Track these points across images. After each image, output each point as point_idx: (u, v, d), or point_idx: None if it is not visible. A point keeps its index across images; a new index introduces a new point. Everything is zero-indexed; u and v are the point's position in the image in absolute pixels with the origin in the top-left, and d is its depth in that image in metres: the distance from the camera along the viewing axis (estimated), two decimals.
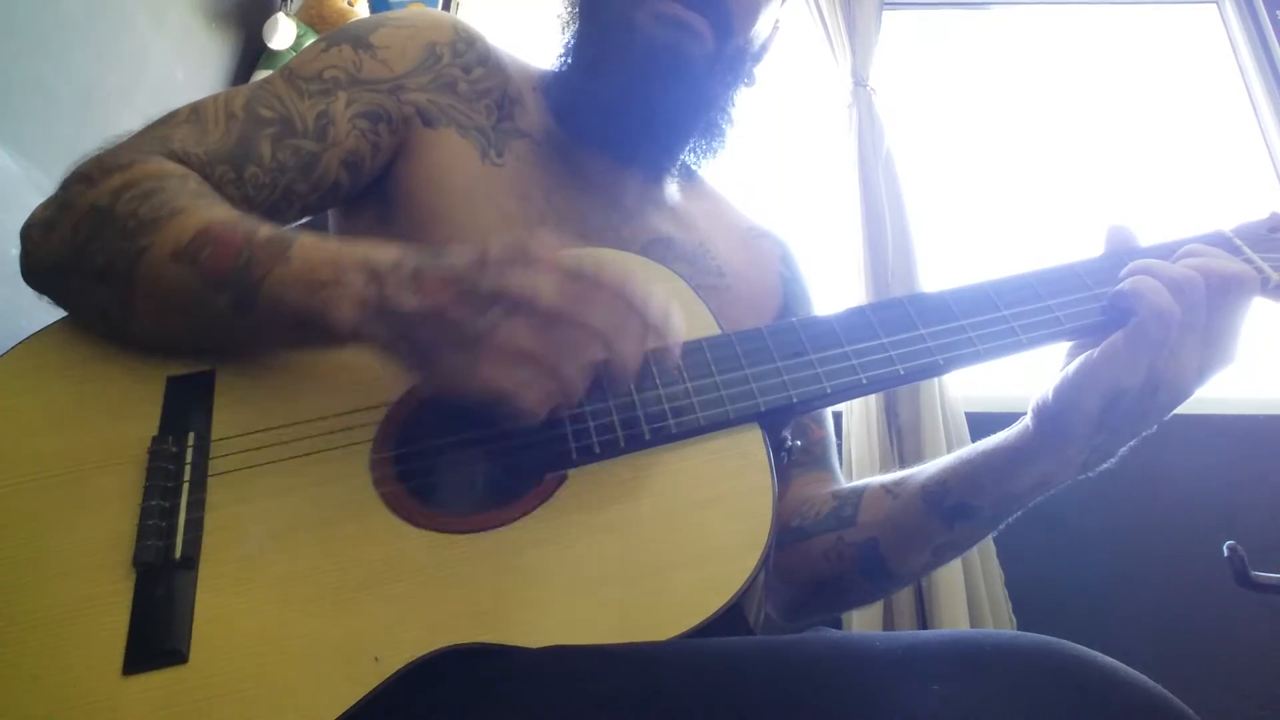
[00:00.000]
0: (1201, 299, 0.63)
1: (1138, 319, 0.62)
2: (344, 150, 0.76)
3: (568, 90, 0.85)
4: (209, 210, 0.63)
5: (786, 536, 0.82)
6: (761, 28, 0.85)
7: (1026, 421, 0.67)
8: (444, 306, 0.53)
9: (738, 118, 0.88)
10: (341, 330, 0.57)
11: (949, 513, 0.72)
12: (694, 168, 0.90)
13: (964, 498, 0.71)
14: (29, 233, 0.67)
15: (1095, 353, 0.63)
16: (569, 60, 0.86)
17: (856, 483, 0.83)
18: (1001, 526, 0.74)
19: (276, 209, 0.74)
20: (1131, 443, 0.67)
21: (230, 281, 0.60)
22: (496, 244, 0.54)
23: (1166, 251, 0.69)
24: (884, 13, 2.12)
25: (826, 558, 0.79)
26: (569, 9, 0.88)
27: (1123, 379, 0.62)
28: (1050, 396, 0.65)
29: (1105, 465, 0.68)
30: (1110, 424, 0.64)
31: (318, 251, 0.59)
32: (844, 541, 0.78)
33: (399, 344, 0.56)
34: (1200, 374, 0.64)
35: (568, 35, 0.87)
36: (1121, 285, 0.65)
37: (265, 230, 0.62)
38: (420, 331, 0.54)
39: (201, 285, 0.60)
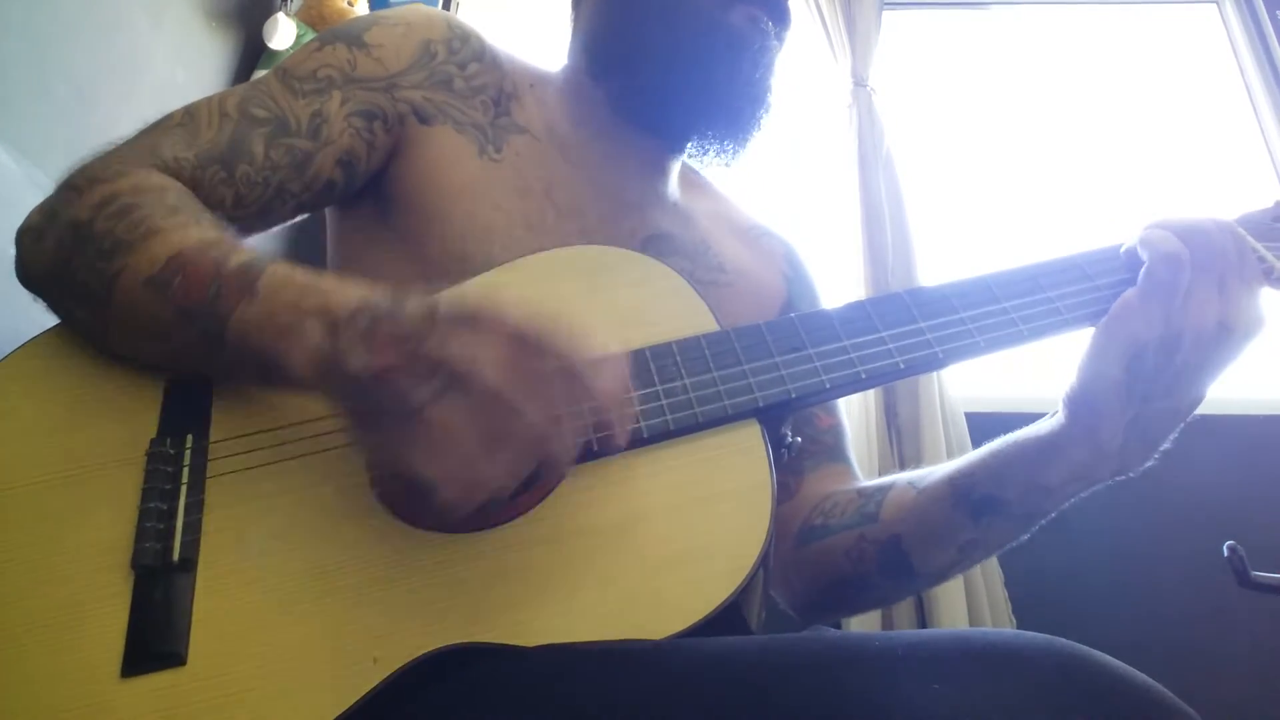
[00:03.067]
0: (1212, 242, 0.62)
1: (1146, 266, 0.62)
2: (339, 149, 0.76)
3: (619, 85, 0.85)
4: (183, 232, 0.62)
5: (808, 535, 0.81)
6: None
7: (1059, 412, 0.66)
8: (389, 370, 0.48)
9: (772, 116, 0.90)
10: (297, 382, 0.54)
11: (976, 506, 0.70)
12: (726, 158, 0.91)
13: (992, 490, 0.70)
14: (22, 238, 0.68)
15: (1106, 317, 0.63)
16: (610, 54, 0.86)
17: (882, 479, 0.82)
18: (1034, 528, 0.71)
19: (270, 207, 0.74)
20: (1173, 433, 0.65)
21: (200, 314, 0.58)
22: (446, 300, 0.50)
23: None
24: (884, 13, 2.12)
25: (848, 556, 0.77)
26: (611, 9, 0.88)
27: (1139, 332, 0.61)
28: (1074, 377, 0.64)
29: (1147, 462, 0.66)
30: (1139, 391, 0.62)
31: (282, 291, 0.57)
32: (866, 540, 0.77)
33: (344, 405, 0.52)
34: (1224, 327, 0.62)
35: (601, 31, 0.87)
36: (1130, 244, 0.65)
37: (236, 258, 0.59)
38: (363, 396, 0.50)
39: (172, 316, 0.59)
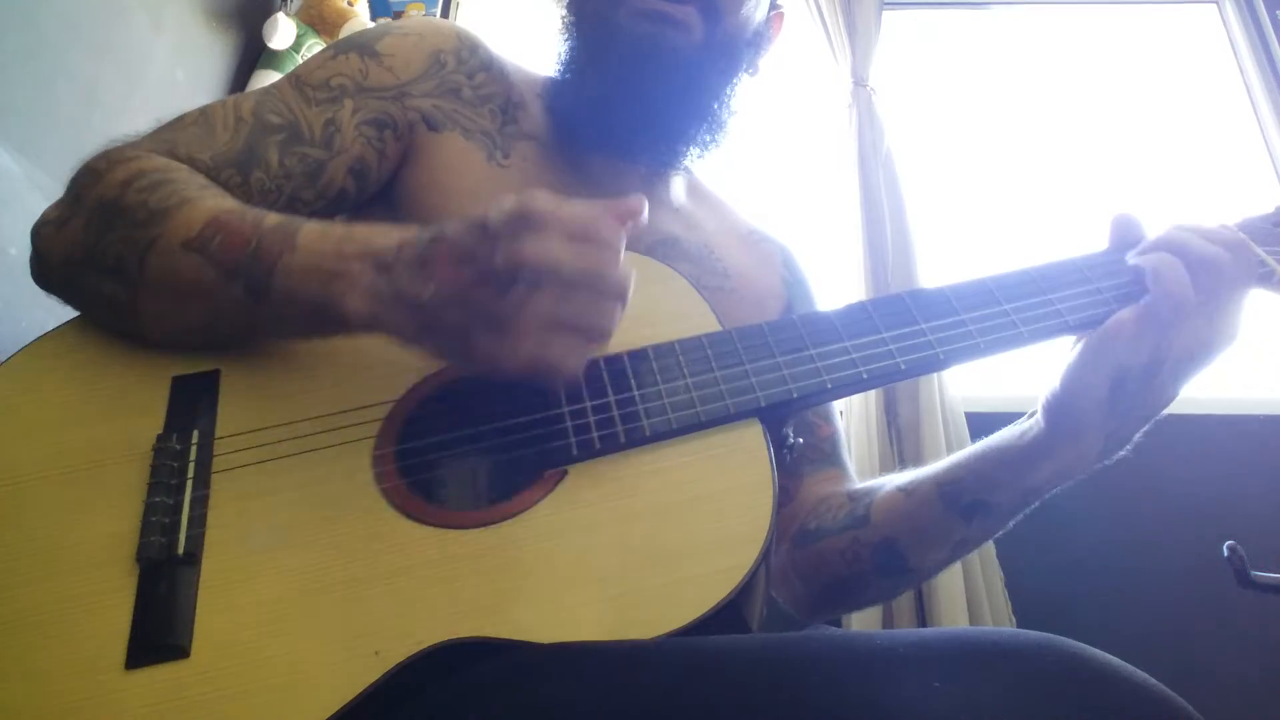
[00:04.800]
0: (1221, 281, 0.63)
1: (1149, 298, 0.62)
2: (350, 158, 0.77)
3: (564, 95, 0.85)
4: (217, 200, 0.64)
5: (804, 538, 0.83)
6: (751, 10, 0.85)
7: (1037, 416, 0.67)
8: (464, 289, 0.53)
9: (738, 107, 0.87)
10: (356, 322, 0.57)
11: (966, 510, 0.72)
12: (696, 160, 0.89)
13: (981, 495, 0.71)
14: (40, 231, 0.68)
15: (1097, 333, 0.63)
16: (565, 66, 0.86)
17: (871, 482, 0.83)
18: (1020, 517, 0.74)
19: None
20: (1145, 428, 0.67)
21: (242, 270, 0.60)
22: (495, 211, 0.54)
23: None
24: (884, 13, 2.12)
25: (843, 558, 0.79)
26: (564, 17, 0.88)
27: (1126, 358, 0.62)
28: (1058, 387, 0.65)
29: (1121, 453, 0.68)
30: (1121, 408, 0.64)
31: (322, 239, 0.60)
32: (859, 541, 0.78)
33: (424, 333, 0.56)
34: (1207, 349, 0.64)
35: (564, 43, 0.88)
36: (1140, 261, 0.65)
37: (273, 218, 0.62)
38: (445, 318, 0.54)
39: (215, 274, 0.61)
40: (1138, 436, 0.67)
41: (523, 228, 0.53)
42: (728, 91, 0.86)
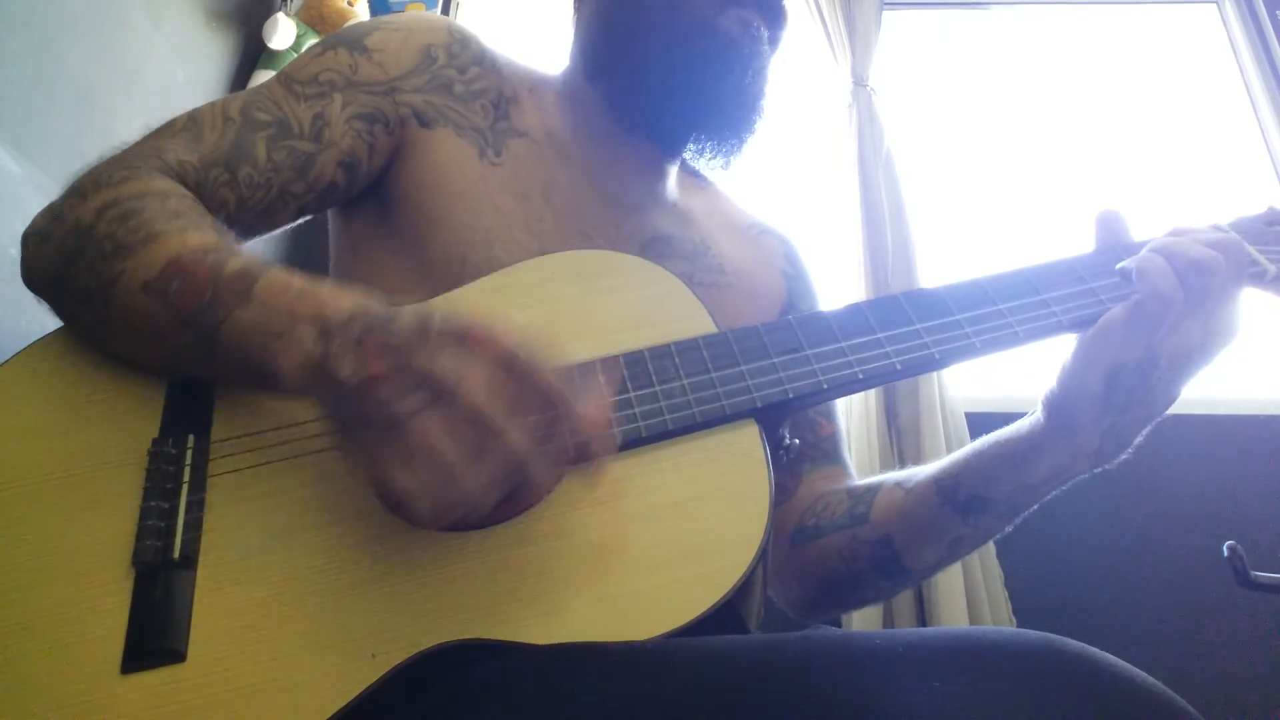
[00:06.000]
0: (1211, 283, 0.63)
1: (1138, 296, 0.63)
2: (340, 151, 0.77)
3: (610, 88, 0.85)
4: (181, 237, 0.62)
5: (802, 535, 0.82)
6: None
7: (1037, 413, 0.68)
8: (375, 380, 0.49)
9: (768, 116, 0.89)
10: (287, 386, 0.54)
11: (962, 506, 0.72)
12: (725, 164, 0.90)
13: (977, 490, 0.72)
14: (27, 241, 0.68)
15: (1091, 331, 0.64)
16: (604, 59, 0.86)
17: (871, 479, 0.83)
18: (1018, 520, 0.74)
19: (272, 209, 0.75)
20: (1145, 430, 0.67)
21: (195, 319, 0.59)
22: (439, 315, 0.51)
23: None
24: (884, 13, 2.12)
25: (841, 556, 0.79)
26: (603, 11, 0.88)
27: (1119, 354, 0.63)
28: (1055, 384, 0.66)
29: (1121, 457, 0.68)
30: (1115, 403, 0.64)
31: (277, 297, 0.57)
32: (858, 540, 0.78)
33: (333, 414, 0.53)
34: (1204, 349, 0.64)
35: (595, 34, 0.87)
36: (1127, 263, 0.66)
37: (234, 263, 0.60)
38: (349, 403, 0.50)
39: (169, 320, 0.60)
40: (1138, 440, 0.68)
41: (453, 342, 0.49)
42: (768, 93, 0.88)
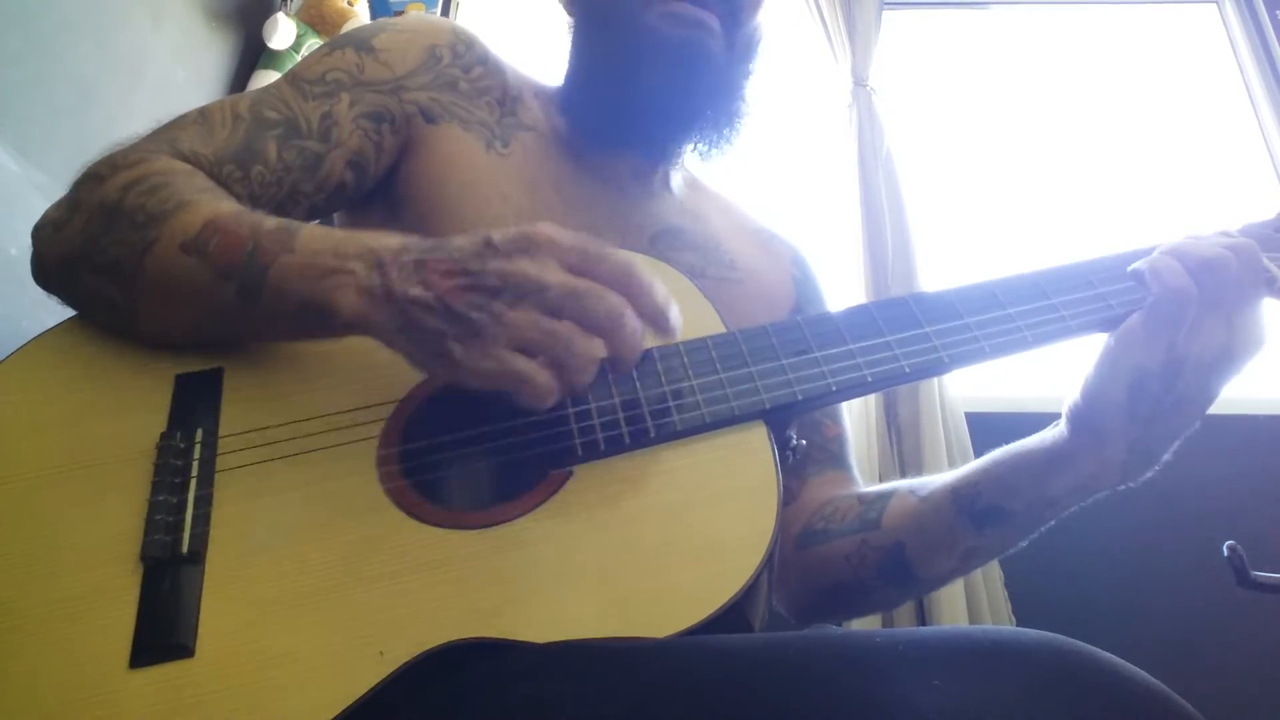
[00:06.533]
0: (1226, 280, 0.62)
1: (1153, 297, 0.62)
2: (348, 150, 0.77)
3: (583, 95, 0.86)
4: (215, 203, 0.64)
5: (809, 539, 0.82)
6: (762, 15, 0.87)
7: (1061, 425, 0.67)
8: (449, 295, 0.53)
9: (751, 105, 0.88)
10: (345, 318, 0.56)
11: (980, 516, 0.71)
12: (714, 157, 0.89)
13: (996, 500, 0.70)
14: (39, 233, 0.68)
15: (1111, 339, 0.63)
16: (581, 68, 0.87)
17: (883, 486, 0.83)
18: (1034, 535, 0.72)
19: (283, 209, 0.75)
20: (1174, 445, 0.66)
21: (237, 271, 0.60)
22: (501, 231, 0.54)
23: None
24: (884, 13, 2.12)
25: (848, 561, 0.78)
26: (575, 18, 0.89)
27: (1142, 361, 0.62)
28: (1078, 395, 0.65)
29: (1148, 474, 0.67)
30: (1141, 414, 0.63)
31: (322, 241, 0.60)
32: (868, 545, 0.77)
33: (404, 334, 0.55)
34: (1230, 355, 0.63)
35: (575, 45, 0.88)
36: (1139, 264, 0.65)
37: (271, 221, 0.62)
38: (426, 321, 0.54)
39: (210, 275, 0.61)
40: (1167, 456, 0.66)
41: (523, 248, 0.53)
42: (745, 90, 0.87)
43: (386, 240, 0.58)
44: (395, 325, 0.55)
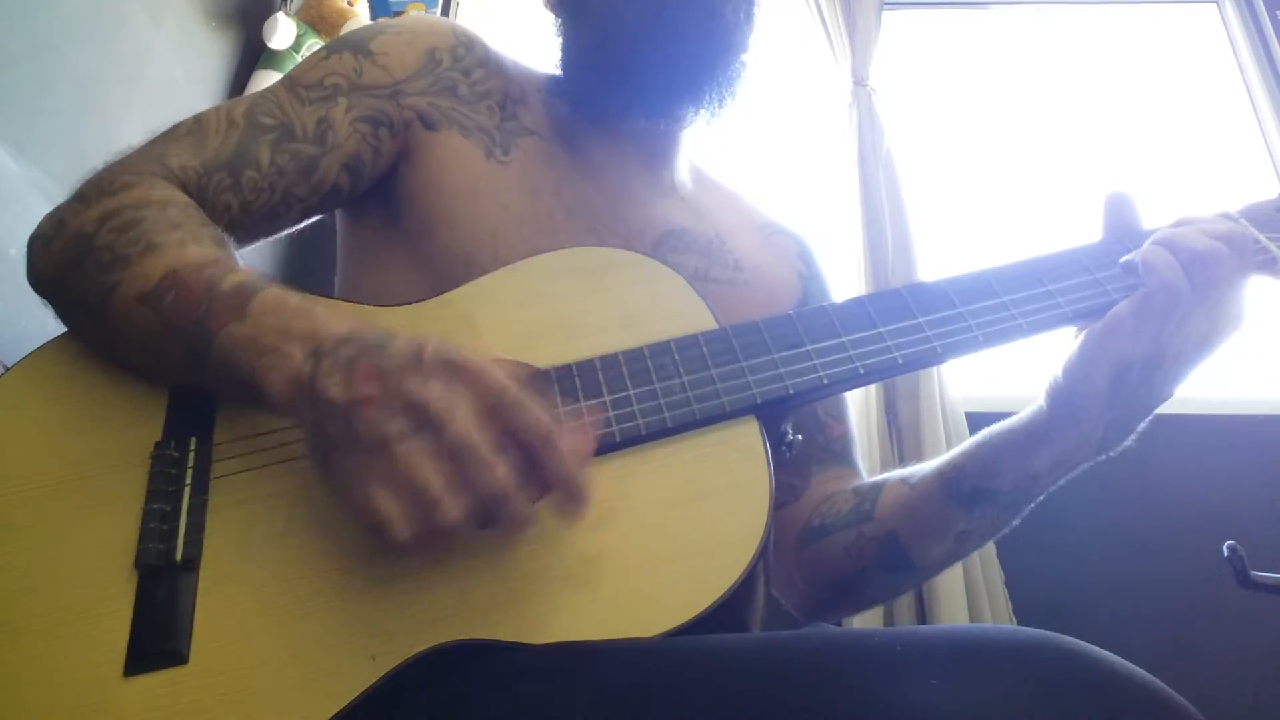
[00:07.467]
0: (1217, 273, 0.62)
1: (1144, 290, 0.62)
2: (344, 154, 0.77)
3: (580, 73, 0.83)
4: (180, 250, 0.62)
5: (808, 535, 0.82)
6: None
7: (1040, 403, 0.68)
8: (359, 404, 0.49)
9: (751, 65, 0.84)
10: (271, 402, 0.54)
11: (968, 497, 0.72)
12: (707, 121, 0.85)
13: (981, 482, 0.72)
14: (32, 244, 0.68)
15: (1099, 325, 0.63)
16: (571, 46, 0.84)
17: (876, 478, 0.83)
18: (1024, 512, 0.74)
19: (276, 213, 0.75)
20: (1147, 418, 0.67)
21: (187, 332, 0.58)
22: (433, 343, 0.51)
23: None
24: (884, 13, 2.12)
25: (847, 554, 0.79)
26: (558, 13, 0.86)
27: (1127, 351, 0.62)
28: (1060, 375, 0.66)
29: (1125, 443, 0.68)
30: (1120, 399, 0.64)
31: (272, 314, 0.57)
32: (864, 536, 0.78)
33: (311, 433, 0.52)
34: (1209, 341, 0.64)
35: (563, 31, 0.85)
36: (1130, 257, 0.65)
37: (231, 279, 0.59)
38: (327, 424, 0.50)
39: (162, 332, 0.60)
40: (1141, 425, 0.68)
41: (446, 373, 0.50)
42: (745, 44, 0.83)
43: (335, 326, 0.54)
44: (309, 420, 0.52)
